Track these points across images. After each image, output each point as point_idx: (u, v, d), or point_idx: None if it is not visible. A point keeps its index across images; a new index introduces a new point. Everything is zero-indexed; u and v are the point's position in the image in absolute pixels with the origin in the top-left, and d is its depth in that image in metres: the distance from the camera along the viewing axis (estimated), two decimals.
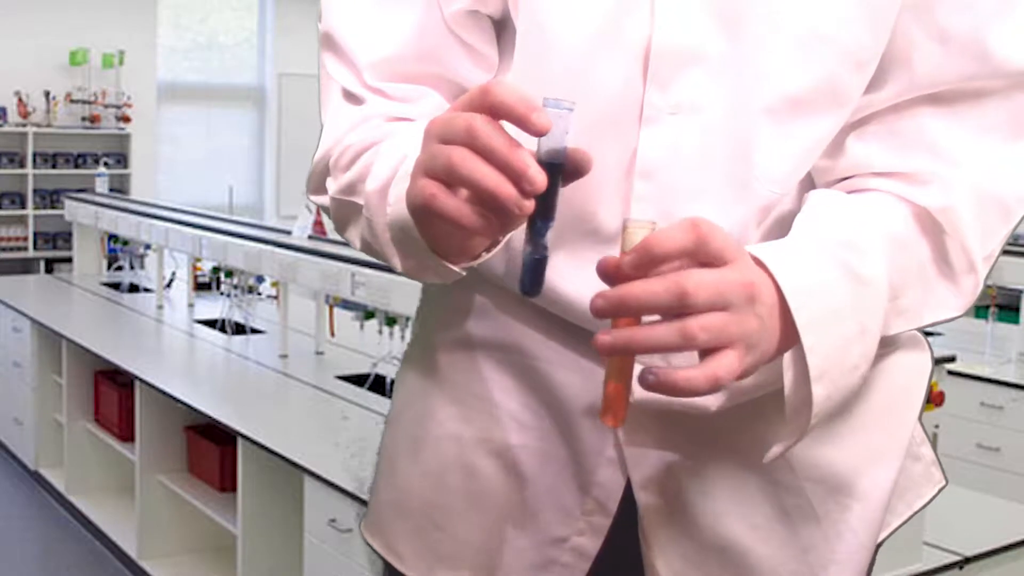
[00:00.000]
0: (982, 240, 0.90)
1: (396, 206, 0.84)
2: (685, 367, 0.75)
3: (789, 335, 0.80)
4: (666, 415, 0.95)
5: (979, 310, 5.22)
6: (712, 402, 0.93)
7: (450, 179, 0.74)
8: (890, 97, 0.90)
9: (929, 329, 0.96)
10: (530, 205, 0.73)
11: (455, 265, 0.83)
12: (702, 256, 0.75)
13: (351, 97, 0.98)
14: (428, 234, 0.81)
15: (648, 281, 0.74)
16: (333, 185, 0.96)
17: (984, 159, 0.90)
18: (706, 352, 0.76)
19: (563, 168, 0.75)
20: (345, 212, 0.96)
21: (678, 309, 0.74)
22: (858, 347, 0.82)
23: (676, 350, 0.75)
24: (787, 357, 0.81)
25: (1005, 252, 0.95)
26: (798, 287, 0.79)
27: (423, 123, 0.93)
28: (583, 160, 0.76)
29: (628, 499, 0.98)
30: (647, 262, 0.74)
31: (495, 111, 0.73)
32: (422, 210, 0.77)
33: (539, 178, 0.72)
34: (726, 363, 0.75)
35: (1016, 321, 4.47)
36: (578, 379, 0.96)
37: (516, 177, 0.71)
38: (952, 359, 3.27)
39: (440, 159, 0.74)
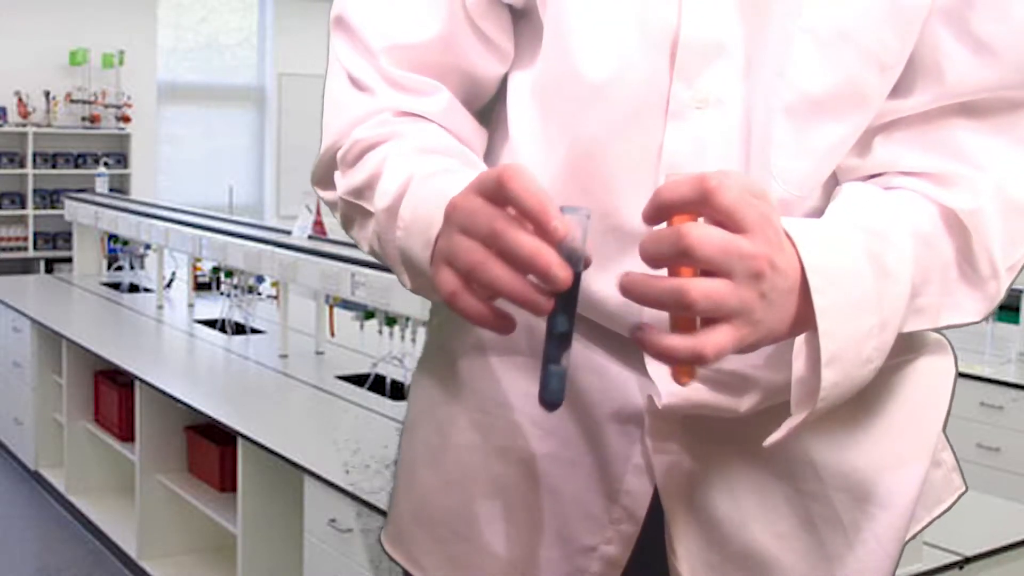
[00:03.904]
0: (1008, 248, 0.88)
1: (407, 239, 0.84)
2: (672, 335, 0.73)
3: (806, 317, 0.77)
4: (693, 421, 0.94)
5: None
6: (740, 403, 0.92)
7: (470, 279, 0.75)
8: (919, 104, 0.89)
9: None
10: (549, 304, 0.73)
11: None
12: (709, 211, 0.72)
13: (358, 84, 0.95)
14: None
15: (660, 229, 0.72)
16: (342, 183, 0.95)
17: (1014, 167, 0.88)
18: (705, 322, 0.73)
19: (580, 274, 0.73)
20: (352, 213, 0.95)
21: (679, 259, 0.71)
22: (875, 341, 0.81)
23: (671, 309, 0.73)
24: (800, 339, 0.80)
25: None
26: (822, 269, 0.77)
27: (431, 128, 0.91)
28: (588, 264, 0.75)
29: (655, 507, 0.97)
30: (659, 209, 0.72)
31: (511, 205, 0.73)
32: (444, 300, 0.78)
33: (563, 274, 0.71)
34: (717, 339, 0.73)
35: (1016, 321, 4.46)
36: (602, 383, 0.95)
37: (540, 274, 0.72)
38: None
39: (462, 258, 0.75)
